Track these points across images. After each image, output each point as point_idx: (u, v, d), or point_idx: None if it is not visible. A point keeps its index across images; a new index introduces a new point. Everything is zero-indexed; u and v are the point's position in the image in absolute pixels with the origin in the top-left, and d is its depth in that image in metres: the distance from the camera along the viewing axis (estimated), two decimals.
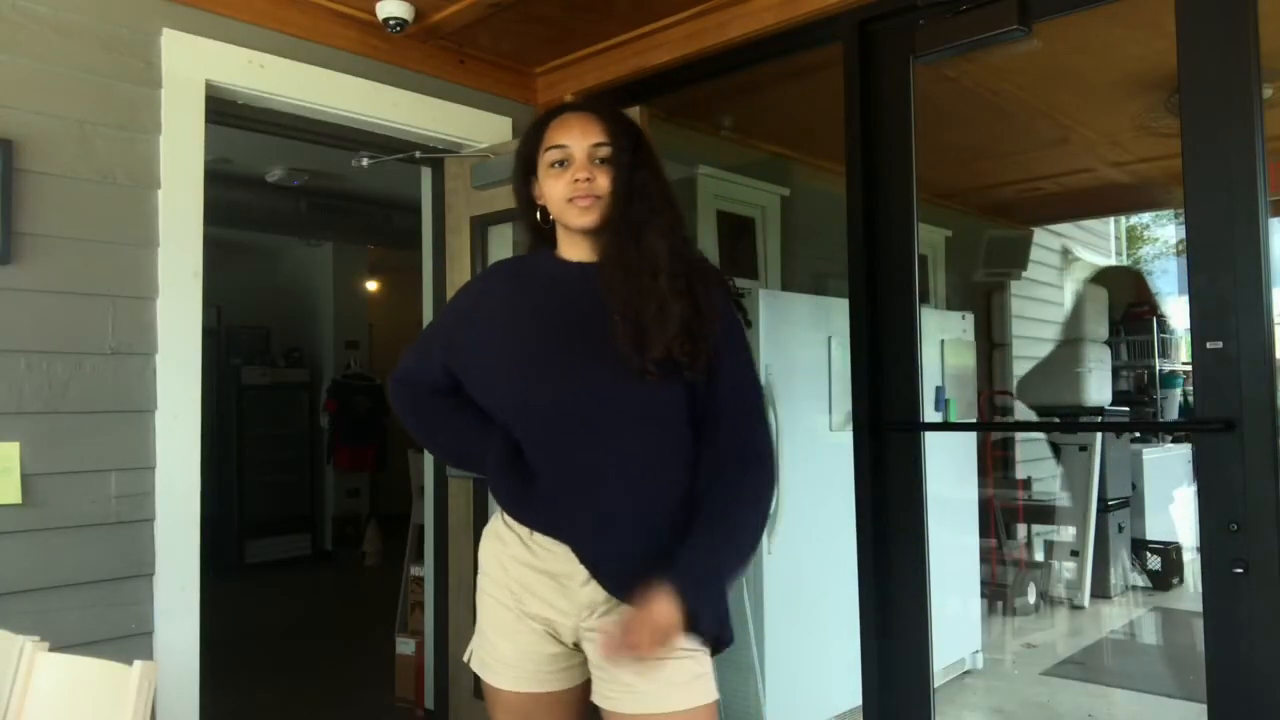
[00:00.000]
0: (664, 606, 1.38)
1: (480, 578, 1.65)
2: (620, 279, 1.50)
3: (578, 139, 1.56)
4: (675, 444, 1.52)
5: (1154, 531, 5.66)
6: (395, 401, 1.77)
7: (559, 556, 1.52)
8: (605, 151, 1.56)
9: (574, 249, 1.61)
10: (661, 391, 1.50)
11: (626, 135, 1.58)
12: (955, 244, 5.66)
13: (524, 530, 1.56)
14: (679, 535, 1.47)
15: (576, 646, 1.55)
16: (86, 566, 2.19)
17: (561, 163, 1.56)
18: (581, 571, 1.50)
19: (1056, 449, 5.63)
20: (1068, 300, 6.86)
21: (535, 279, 1.64)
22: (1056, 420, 6.62)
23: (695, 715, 1.46)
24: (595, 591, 1.50)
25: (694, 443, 1.53)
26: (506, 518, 1.60)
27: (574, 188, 1.54)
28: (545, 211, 1.63)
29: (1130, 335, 6.72)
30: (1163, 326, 6.62)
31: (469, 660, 1.65)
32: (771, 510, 1.58)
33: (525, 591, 1.55)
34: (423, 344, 1.78)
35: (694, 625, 1.41)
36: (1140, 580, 5.46)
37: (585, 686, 1.57)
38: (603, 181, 1.54)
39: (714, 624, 1.46)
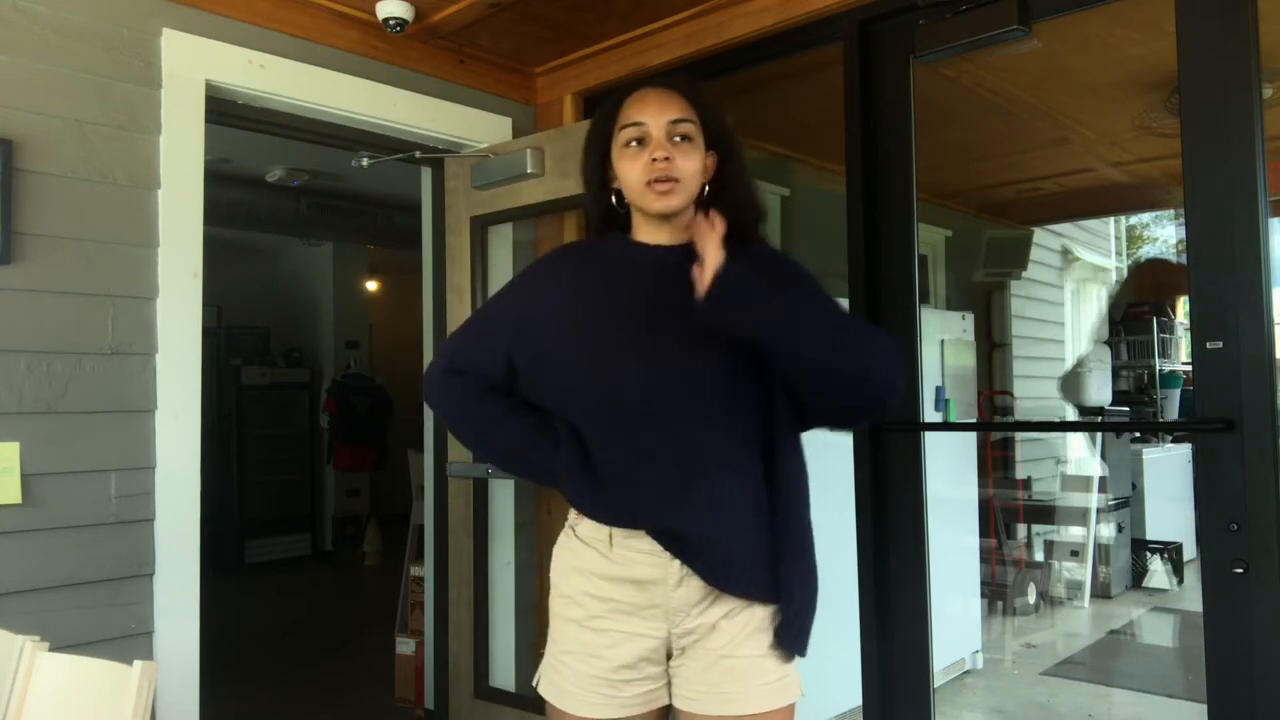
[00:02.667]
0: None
1: (553, 599, 1.53)
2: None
3: (655, 115, 1.46)
4: (756, 431, 1.45)
5: (1154, 531, 5.66)
6: (444, 393, 1.61)
7: (645, 562, 1.43)
8: (686, 128, 1.46)
9: (652, 232, 1.52)
10: (746, 376, 1.43)
11: (708, 110, 1.50)
12: (955, 244, 5.66)
13: (603, 539, 1.46)
14: (765, 524, 1.44)
15: (668, 656, 1.46)
16: (86, 566, 2.18)
17: (639, 141, 1.46)
18: (674, 573, 1.42)
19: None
20: (1068, 300, 6.86)
21: (612, 263, 1.53)
22: (1056, 420, 6.62)
23: (777, 716, 1.44)
24: (689, 592, 1.42)
25: (766, 432, 1.46)
26: (581, 528, 1.50)
27: (652, 169, 1.44)
28: (620, 195, 1.53)
29: (1130, 335, 6.72)
30: (1164, 327, 6.62)
31: (537, 684, 1.54)
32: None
33: (608, 607, 1.45)
34: (477, 330, 1.65)
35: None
36: (1162, 581, 5.45)
37: (664, 710, 1.50)
38: (683, 163, 1.45)
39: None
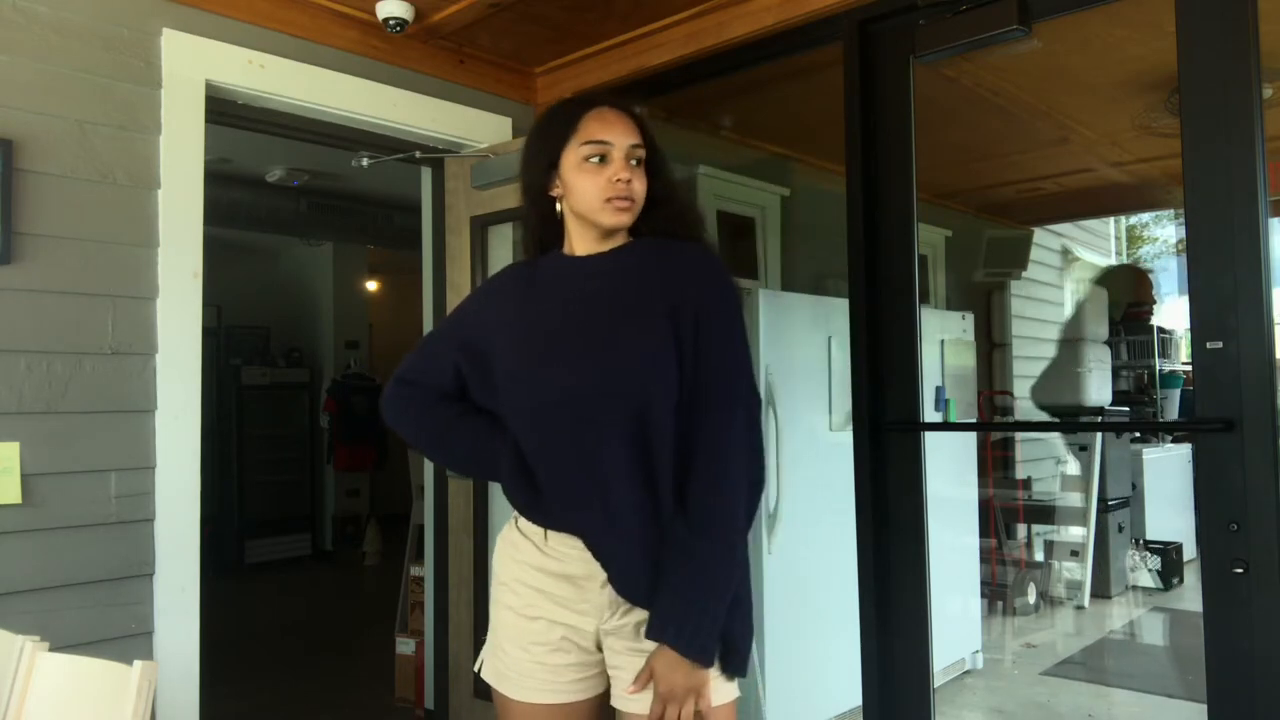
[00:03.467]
0: (673, 668, 1.39)
1: (493, 586, 1.62)
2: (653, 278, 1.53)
3: (620, 137, 1.52)
4: (671, 442, 1.47)
5: (1154, 531, 5.66)
6: (395, 404, 1.68)
7: (576, 559, 1.49)
8: (640, 153, 1.54)
9: (588, 244, 1.58)
10: (660, 384, 1.45)
11: (652, 137, 1.58)
12: (955, 244, 5.66)
13: (538, 534, 1.53)
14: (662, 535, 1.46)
15: (598, 648, 1.52)
16: (86, 566, 2.19)
17: (601, 158, 1.52)
18: (600, 573, 1.48)
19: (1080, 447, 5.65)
20: (1068, 300, 6.86)
21: (548, 280, 1.61)
22: (1056, 420, 6.62)
23: (717, 714, 1.45)
24: (614, 591, 1.48)
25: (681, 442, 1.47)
26: (521, 523, 1.57)
27: (614, 188, 1.50)
28: (554, 204, 1.60)
29: (1130, 335, 6.72)
30: (1162, 327, 6.63)
31: (480, 670, 1.61)
32: (762, 512, 1.58)
33: (542, 598, 1.52)
34: (430, 346, 1.74)
35: (708, 661, 1.41)
36: (1150, 580, 5.46)
37: (604, 697, 1.55)
38: (639, 185, 1.53)
39: (713, 653, 1.43)
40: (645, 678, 1.43)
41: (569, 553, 1.50)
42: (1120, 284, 6.77)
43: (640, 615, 1.47)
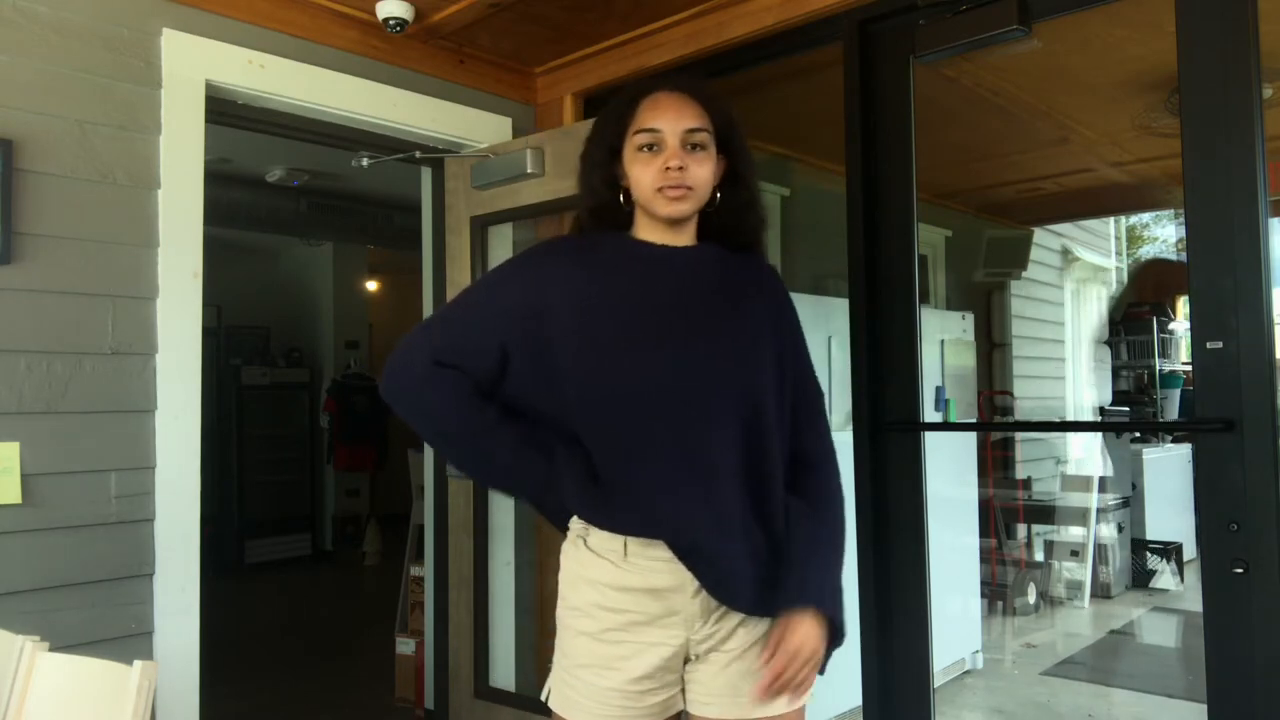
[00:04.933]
0: (810, 630, 1.36)
1: (562, 609, 1.48)
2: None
3: (671, 122, 1.44)
4: (776, 436, 1.44)
5: (1154, 531, 5.67)
6: (430, 389, 1.45)
7: (662, 569, 1.39)
8: (701, 137, 1.45)
9: (656, 233, 1.50)
10: (766, 379, 1.44)
11: (722, 118, 1.49)
12: (955, 244, 5.66)
13: (616, 548, 1.41)
14: (777, 537, 1.42)
15: (684, 662, 1.43)
16: (86, 566, 2.19)
17: (651, 146, 1.44)
18: (690, 582, 1.38)
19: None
20: (1068, 300, 6.86)
21: (618, 261, 1.49)
22: (1056, 420, 6.62)
23: (794, 716, 1.46)
24: (706, 600, 1.39)
25: (783, 438, 1.46)
26: (592, 539, 1.44)
27: (665, 176, 1.43)
28: (628, 193, 1.50)
29: (1130, 335, 6.72)
30: (1164, 327, 6.63)
31: (547, 699, 1.48)
32: None
33: (623, 619, 1.41)
34: (466, 320, 1.51)
35: (838, 637, 1.40)
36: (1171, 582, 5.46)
37: (678, 717, 1.48)
38: (697, 170, 1.44)
39: (844, 622, 1.43)
40: (771, 649, 1.36)
41: (654, 564, 1.39)
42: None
43: (732, 621, 1.41)
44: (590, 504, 1.42)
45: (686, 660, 1.43)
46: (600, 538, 1.43)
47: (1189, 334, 2.00)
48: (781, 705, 1.42)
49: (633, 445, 1.39)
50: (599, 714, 1.41)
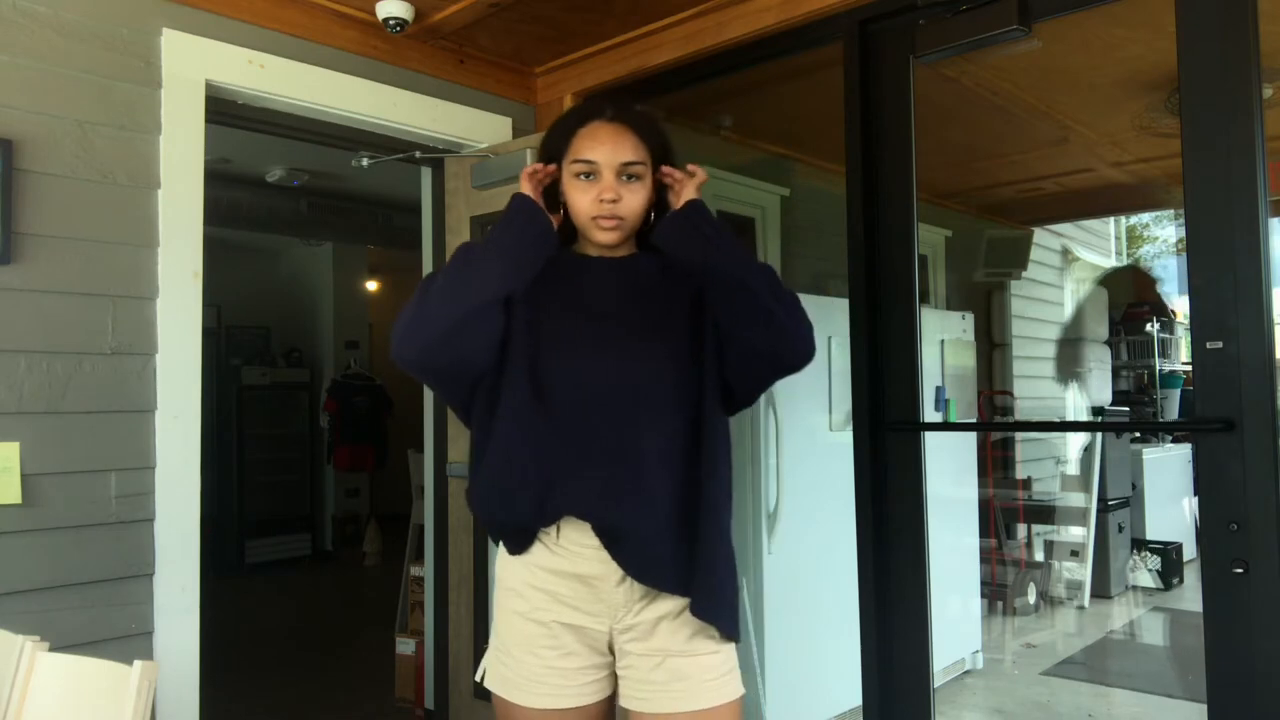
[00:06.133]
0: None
1: (498, 591, 1.59)
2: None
3: (607, 155, 1.51)
4: (687, 429, 1.51)
5: (1154, 531, 5.67)
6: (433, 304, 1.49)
7: (590, 557, 1.48)
8: (636, 169, 1.53)
9: (594, 246, 1.59)
10: (701, 371, 1.51)
11: (658, 144, 1.56)
12: (955, 244, 5.66)
13: (549, 533, 1.51)
14: (696, 532, 1.47)
15: (610, 649, 1.52)
16: (86, 566, 2.19)
17: (587, 175, 1.52)
18: (615, 571, 1.47)
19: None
20: (1068, 300, 6.86)
21: (559, 271, 1.58)
22: (1056, 420, 6.62)
23: (725, 711, 1.47)
24: (631, 589, 1.48)
25: (696, 430, 1.52)
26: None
27: (599, 207, 1.51)
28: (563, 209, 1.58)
29: (1130, 335, 6.72)
30: (1164, 327, 6.62)
31: (483, 679, 1.58)
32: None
33: (552, 601, 1.50)
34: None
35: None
36: (1150, 580, 5.46)
37: (611, 700, 1.55)
38: (630, 200, 1.52)
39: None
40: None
41: (583, 551, 1.49)
42: (1122, 285, 6.78)
43: (656, 612, 1.48)
44: (520, 499, 1.50)
45: (612, 650, 1.51)
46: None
47: (1189, 334, 1.99)
48: (714, 698, 1.47)
49: (564, 438, 1.48)
50: (533, 692, 1.49)
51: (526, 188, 1.54)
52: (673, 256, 1.50)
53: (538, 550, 1.52)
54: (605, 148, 1.51)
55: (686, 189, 1.53)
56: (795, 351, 1.52)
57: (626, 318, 1.54)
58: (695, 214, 1.50)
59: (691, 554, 1.47)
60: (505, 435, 1.50)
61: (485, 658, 1.60)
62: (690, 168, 1.55)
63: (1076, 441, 6.16)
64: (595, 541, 1.48)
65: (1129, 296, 6.77)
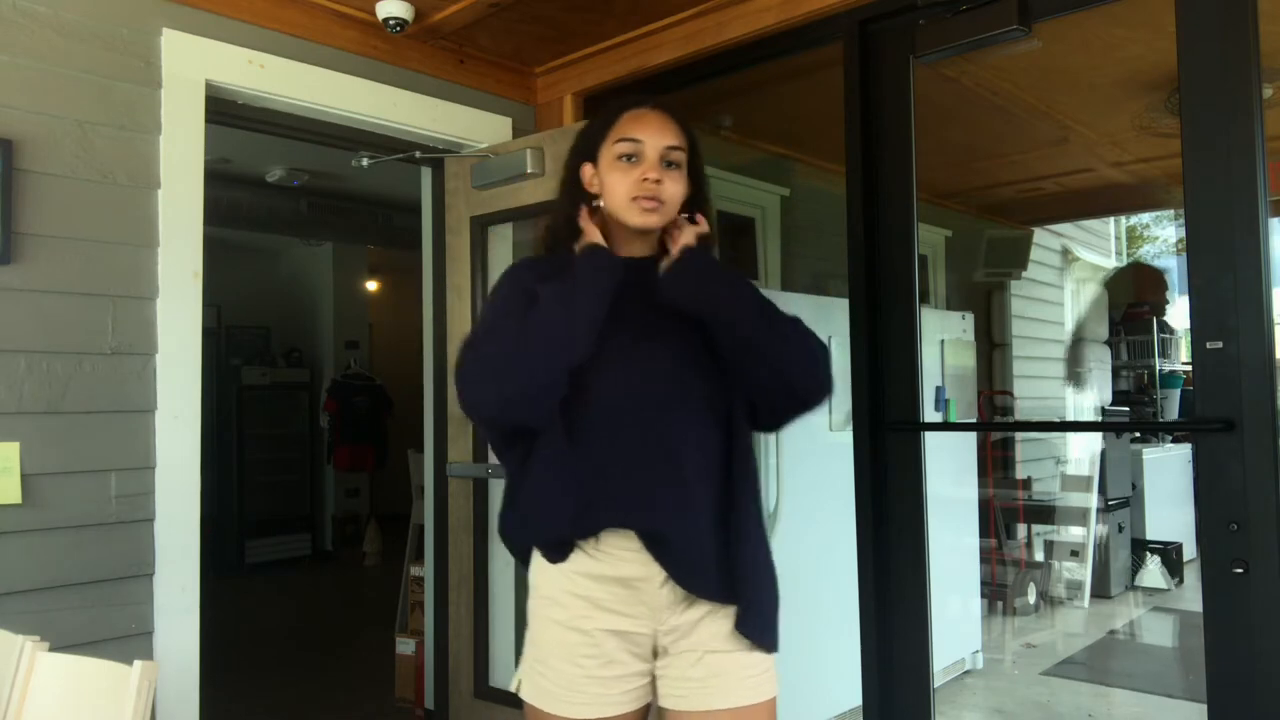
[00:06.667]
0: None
1: (533, 599, 1.54)
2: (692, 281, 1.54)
3: (653, 136, 1.52)
4: (720, 435, 1.51)
5: (1154, 531, 5.67)
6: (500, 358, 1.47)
7: (631, 559, 1.46)
8: (678, 156, 1.53)
9: (623, 245, 1.56)
10: (714, 382, 1.51)
11: (694, 144, 1.57)
12: (955, 244, 5.66)
13: (590, 541, 1.47)
14: (737, 536, 1.48)
15: (653, 654, 1.49)
16: (86, 566, 2.18)
17: (630, 157, 1.51)
18: (659, 572, 1.45)
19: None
20: (1068, 300, 6.86)
21: None
22: (1056, 420, 6.62)
23: (762, 710, 1.48)
24: (673, 590, 1.46)
25: (726, 436, 1.52)
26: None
27: (641, 187, 1.50)
28: (593, 200, 1.57)
29: (1130, 335, 6.72)
30: (1163, 327, 6.63)
31: (518, 689, 1.54)
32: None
33: (593, 608, 1.47)
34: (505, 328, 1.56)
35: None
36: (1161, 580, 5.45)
37: (648, 708, 1.53)
38: (671, 187, 1.51)
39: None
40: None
41: (623, 554, 1.46)
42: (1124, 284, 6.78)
43: (699, 611, 1.47)
44: (560, 509, 1.47)
45: (656, 653, 1.49)
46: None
47: (1189, 334, 2.00)
48: (750, 696, 1.46)
49: (602, 446, 1.46)
50: (572, 701, 1.46)
51: (595, 234, 1.52)
52: (672, 305, 1.49)
53: (577, 557, 1.48)
54: (651, 129, 1.52)
55: (685, 234, 1.53)
56: (806, 389, 1.53)
57: (659, 324, 1.51)
58: (692, 262, 1.50)
59: (733, 560, 1.47)
60: (545, 449, 1.48)
61: (520, 668, 1.56)
62: (698, 218, 1.56)
63: (1077, 441, 6.16)
64: (637, 544, 1.46)
65: (1130, 296, 6.78)
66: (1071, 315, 6.90)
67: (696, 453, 1.47)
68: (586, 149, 1.58)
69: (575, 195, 1.58)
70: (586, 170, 1.57)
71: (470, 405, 1.47)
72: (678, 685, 1.47)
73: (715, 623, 1.47)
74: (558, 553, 1.50)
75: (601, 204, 1.56)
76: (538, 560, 1.54)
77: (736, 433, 1.51)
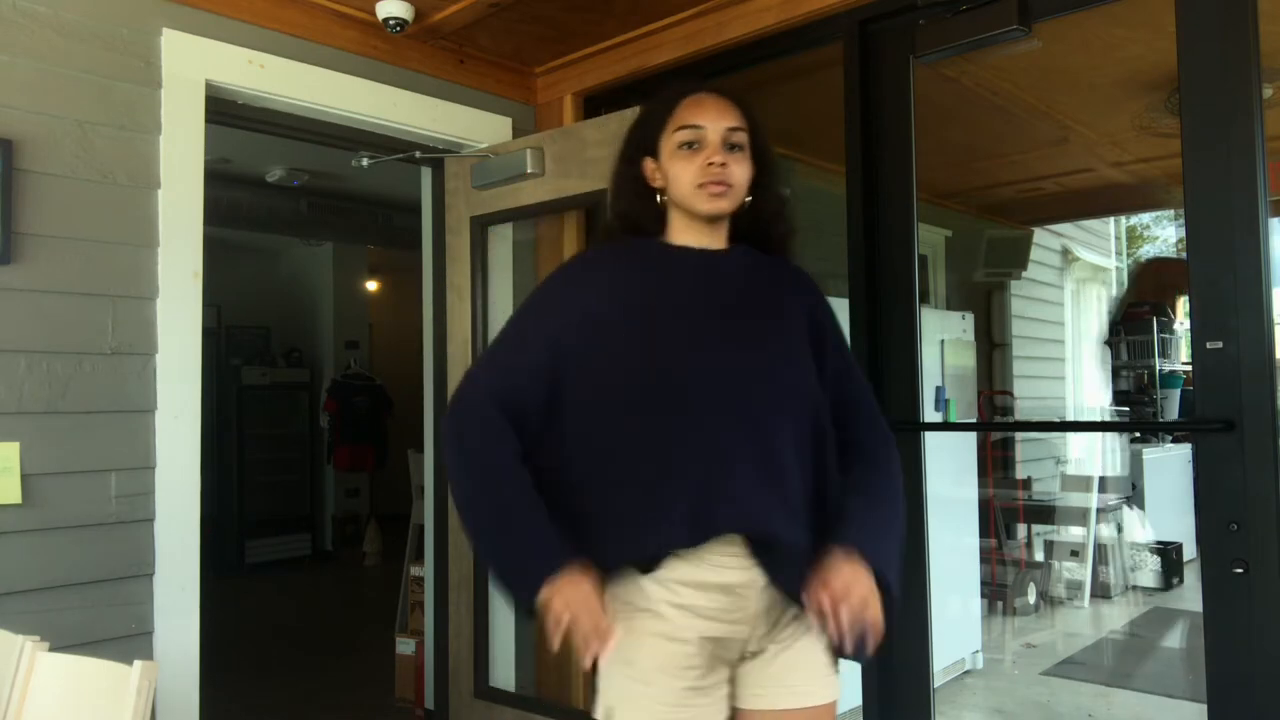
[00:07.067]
0: (857, 572, 1.36)
1: (627, 613, 1.41)
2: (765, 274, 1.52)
3: (714, 120, 1.47)
4: (809, 429, 1.46)
5: (1155, 531, 5.66)
6: (477, 435, 1.42)
7: (735, 565, 1.39)
8: (740, 138, 1.48)
9: (691, 235, 1.51)
10: (812, 376, 1.48)
11: (756, 124, 1.51)
12: (955, 244, 5.66)
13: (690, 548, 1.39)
14: (822, 528, 1.43)
15: (740, 658, 1.45)
16: (86, 566, 2.19)
17: (692, 144, 1.47)
18: (760, 576, 1.40)
19: None
20: (1068, 300, 6.86)
21: (663, 265, 1.50)
22: (1056, 420, 6.62)
23: (829, 710, 1.48)
24: (772, 595, 1.41)
25: (816, 430, 1.48)
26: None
27: (706, 172, 1.45)
28: (661, 194, 1.52)
29: (1130, 335, 6.72)
30: (1164, 327, 6.63)
31: (610, 716, 1.41)
32: None
33: (693, 616, 1.39)
34: (516, 347, 1.50)
35: (889, 598, 1.40)
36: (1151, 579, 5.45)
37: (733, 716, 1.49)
38: (736, 170, 1.47)
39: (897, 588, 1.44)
40: (816, 596, 1.36)
41: (727, 560, 1.39)
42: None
43: (788, 615, 1.44)
44: (667, 525, 1.38)
45: (742, 658, 1.46)
46: None
47: (1189, 334, 2.00)
48: (828, 694, 1.45)
49: (713, 450, 1.39)
50: (676, 716, 1.38)
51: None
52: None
53: (675, 566, 1.39)
54: (710, 113, 1.47)
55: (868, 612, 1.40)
56: None
57: (747, 323, 1.47)
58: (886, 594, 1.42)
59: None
60: (630, 452, 1.39)
61: (607, 694, 1.42)
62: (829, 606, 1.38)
63: (1077, 441, 6.16)
64: (740, 549, 1.39)
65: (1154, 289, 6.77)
66: (1071, 315, 6.90)
67: (793, 452, 1.43)
68: (644, 142, 1.53)
69: (639, 190, 1.53)
70: (648, 164, 1.52)
71: (443, 429, 1.49)
72: (756, 684, 1.45)
73: (800, 622, 1.44)
74: (654, 562, 1.40)
75: (663, 198, 1.51)
76: (623, 575, 1.41)
77: (825, 429, 1.47)
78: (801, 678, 1.44)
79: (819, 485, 1.45)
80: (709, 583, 1.39)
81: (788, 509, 1.40)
